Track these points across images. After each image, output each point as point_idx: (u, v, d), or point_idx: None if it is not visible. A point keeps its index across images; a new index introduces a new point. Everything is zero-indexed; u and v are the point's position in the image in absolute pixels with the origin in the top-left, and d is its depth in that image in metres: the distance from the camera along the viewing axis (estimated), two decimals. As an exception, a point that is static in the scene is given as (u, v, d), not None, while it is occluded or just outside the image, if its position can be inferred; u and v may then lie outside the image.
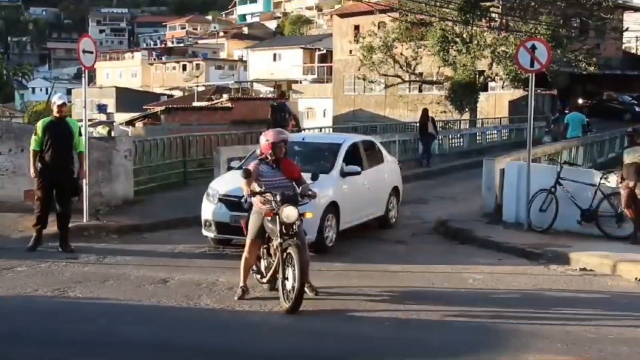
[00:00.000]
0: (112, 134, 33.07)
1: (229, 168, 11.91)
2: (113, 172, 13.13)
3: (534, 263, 10.18)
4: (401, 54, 35.07)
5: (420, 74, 37.81)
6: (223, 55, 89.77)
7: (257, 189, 7.67)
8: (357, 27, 46.97)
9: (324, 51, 61.51)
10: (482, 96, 35.88)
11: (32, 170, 9.96)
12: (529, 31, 29.62)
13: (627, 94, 45.28)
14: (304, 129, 21.21)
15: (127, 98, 61.14)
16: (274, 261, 7.60)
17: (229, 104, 37.06)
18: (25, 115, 61.15)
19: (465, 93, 33.35)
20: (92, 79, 75.43)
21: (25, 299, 7.76)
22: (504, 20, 32.85)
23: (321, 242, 10.17)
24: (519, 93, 36.45)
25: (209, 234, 10.46)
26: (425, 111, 24.30)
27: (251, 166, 7.82)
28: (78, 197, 10.89)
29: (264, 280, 7.93)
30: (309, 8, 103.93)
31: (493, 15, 32.92)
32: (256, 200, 7.77)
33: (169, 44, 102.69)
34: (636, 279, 9.20)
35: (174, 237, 11.29)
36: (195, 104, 46.27)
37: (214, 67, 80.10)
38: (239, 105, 36.57)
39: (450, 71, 34.22)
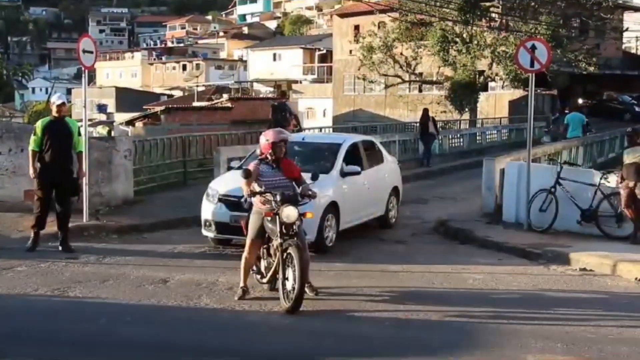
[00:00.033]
0: (112, 133, 33.08)
1: (229, 168, 11.91)
2: (113, 172, 13.13)
3: (533, 263, 10.18)
4: (401, 54, 35.08)
5: (420, 74, 37.83)
6: (223, 55, 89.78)
7: (257, 189, 7.67)
8: (357, 27, 46.99)
9: (324, 51, 61.51)
10: (482, 96, 35.89)
11: (31, 170, 9.95)
12: (529, 31, 29.61)
13: (627, 94, 45.32)
14: (304, 129, 21.20)
15: (127, 98, 61.15)
16: (274, 261, 7.60)
17: (229, 104, 37.05)
18: (25, 115, 61.14)
19: (465, 93, 33.36)
20: (92, 79, 75.41)
21: (25, 298, 7.75)
22: (504, 20, 32.85)
23: (321, 242, 10.17)
24: (519, 93, 36.46)
25: (209, 234, 10.47)
26: (425, 111, 24.30)
27: (251, 166, 7.82)
28: (78, 197, 10.88)
29: (264, 280, 7.93)
30: (309, 8, 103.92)
31: (493, 15, 32.93)
32: (256, 200, 7.76)
33: (169, 44, 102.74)
34: (636, 279, 9.20)
35: (174, 237, 11.29)
36: (195, 104, 46.26)
37: (214, 67, 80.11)
38: (239, 105, 36.57)
39: (450, 71, 34.23)
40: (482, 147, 28.95)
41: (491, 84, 37.45)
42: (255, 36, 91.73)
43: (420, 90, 42.20)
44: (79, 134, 10.24)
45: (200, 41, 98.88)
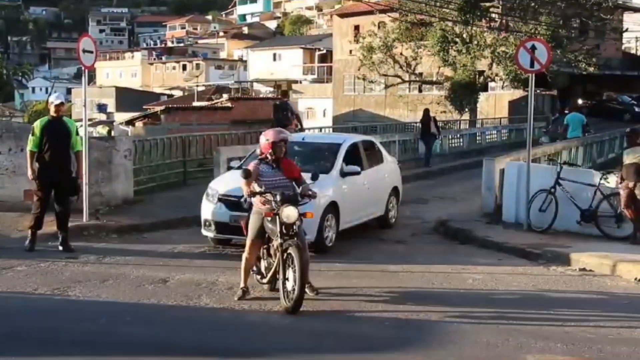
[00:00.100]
0: (112, 133, 33.09)
1: (229, 168, 11.91)
2: (113, 172, 13.14)
3: (533, 263, 10.18)
4: (401, 54, 35.08)
5: (420, 74, 37.83)
6: (223, 55, 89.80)
7: (257, 189, 7.66)
8: (357, 27, 47.00)
9: (324, 51, 61.53)
10: (482, 96, 35.89)
11: (29, 172, 9.92)
12: (529, 31, 29.60)
13: (627, 94, 45.32)
14: (305, 129, 21.20)
15: (127, 98, 61.22)
16: (274, 261, 7.60)
17: (229, 104, 37.05)
18: (25, 115, 61.25)
19: (465, 93, 33.35)
20: (92, 79, 75.43)
21: (25, 298, 7.75)
22: (504, 21, 32.84)
23: (321, 242, 10.18)
24: (518, 93, 36.46)
25: (209, 233, 10.47)
26: (427, 111, 24.30)
27: (251, 166, 7.81)
28: (77, 197, 10.88)
29: (264, 280, 7.93)
30: (309, 8, 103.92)
31: (493, 15, 32.92)
32: (256, 201, 7.76)
33: (169, 44, 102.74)
34: (636, 279, 9.20)
35: (174, 237, 11.30)
36: (195, 103, 46.27)
37: (214, 67, 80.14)
38: (238, 105, 36.59)
39: (450, 71, 34.22)
40: (482, 147, 28.96)
41: (491, 84, 37.45)
42: (255, 36, 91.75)
43: (420, 91, 42.20)
44: (77, 134, 10.24)
45: (200, 41, 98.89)
